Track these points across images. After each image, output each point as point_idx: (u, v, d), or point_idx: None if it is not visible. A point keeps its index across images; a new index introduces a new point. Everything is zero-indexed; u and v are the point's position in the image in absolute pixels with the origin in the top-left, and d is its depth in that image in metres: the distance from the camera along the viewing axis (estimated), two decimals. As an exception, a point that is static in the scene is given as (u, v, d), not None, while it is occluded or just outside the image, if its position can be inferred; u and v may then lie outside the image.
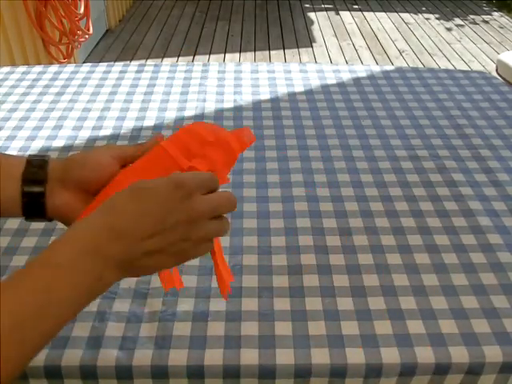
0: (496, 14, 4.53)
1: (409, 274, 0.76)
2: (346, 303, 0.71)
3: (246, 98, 1.24)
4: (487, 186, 0.95)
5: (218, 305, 0.71)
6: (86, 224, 0.41)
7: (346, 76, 1.34)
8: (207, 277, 0.75)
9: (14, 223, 0.85)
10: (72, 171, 0.50)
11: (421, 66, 3.47)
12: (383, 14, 4.51)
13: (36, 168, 0.50)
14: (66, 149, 1.04)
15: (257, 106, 1.20)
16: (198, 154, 0.51)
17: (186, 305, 0.71)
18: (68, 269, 0.39)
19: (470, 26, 4.24)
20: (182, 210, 0.42)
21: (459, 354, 0.65)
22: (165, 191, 0.42)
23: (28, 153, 1.02)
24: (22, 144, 1.05)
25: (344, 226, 0.85)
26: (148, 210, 0.41)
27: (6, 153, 1.03)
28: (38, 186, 0.49)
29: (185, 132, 0.53)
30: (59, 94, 1.24)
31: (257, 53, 3.67)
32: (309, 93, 1.25)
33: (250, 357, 0.64)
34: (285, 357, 0.64)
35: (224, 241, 0.81)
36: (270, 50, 3.73)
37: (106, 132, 1.09)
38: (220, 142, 0.51)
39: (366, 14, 4.51)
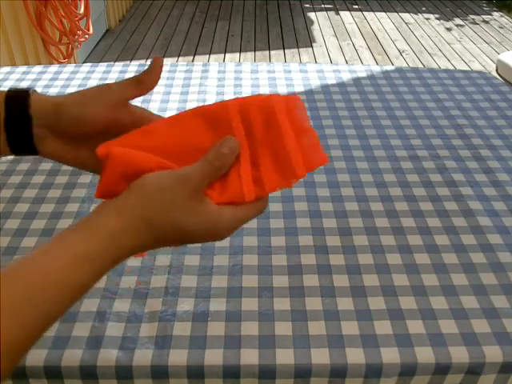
0: (496, 14, 4.53)
1: (409, 274, 0.76)
2: (346, 303, 0.71)
3: (246, 98, 1.23)
4: (487, 186, 0.95)
5: (218, 305, 0.71)
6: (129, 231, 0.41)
7: (346, 76, 1.34)
8: (207, 277, 0.75)
9: (14, 223, 0.85)
10: (64, 125, 0.48)
11: (421, 66, 3.47)
12: (383, 13, 4.51)
13: (17, 104, 0.47)
14: (66, 149, 1.04)
15: (257, 106, 1.20)
16: (257, 139, 0.45)
17: (186, 305, 0.71)
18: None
19: (470, 25, 4.24)
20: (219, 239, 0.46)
21: (459, 354, 0.65)
22: (208, 230, 0.44)
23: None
24: (21, 144, 1.05)
25: (344, 226, 0.85)
26: (185, 231, 0.43)
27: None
28: (21, 116, 0.47)
29: (257, 106, 0.46)
30: (59, 94, 1.24)
31: (257, 53, 3.67)
32: (309, 93, 1.25)
33: (250, 357, 0.64)
34: (285, 357, 0.64)
35: (224, 241, 0.81)
36: (269, 49, 3.73)
37: (105, 132, 1.09)
38: (283, 164, 0.45)
39: (366, 13, 4.51)
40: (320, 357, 0.64)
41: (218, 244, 0.81)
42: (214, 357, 0.64)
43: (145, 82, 0.50)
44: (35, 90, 0.49)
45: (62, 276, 0.38)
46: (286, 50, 3.72)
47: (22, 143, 0.48)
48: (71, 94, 0.49)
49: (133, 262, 0.78)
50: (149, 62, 0.52)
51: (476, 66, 3.48)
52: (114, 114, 0.49)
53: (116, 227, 0.40)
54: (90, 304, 0.71)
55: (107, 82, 1.30)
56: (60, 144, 0.49)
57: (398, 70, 1.40)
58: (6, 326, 0.35)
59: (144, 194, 0.41)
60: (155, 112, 1.06)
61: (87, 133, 0.49)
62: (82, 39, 2.93)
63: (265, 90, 1.26)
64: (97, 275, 0.40)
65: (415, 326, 0.68)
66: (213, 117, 0.47)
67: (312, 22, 4.30)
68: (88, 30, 2.96)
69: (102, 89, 0.49)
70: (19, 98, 0.47)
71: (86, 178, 0.95)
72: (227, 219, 0.44)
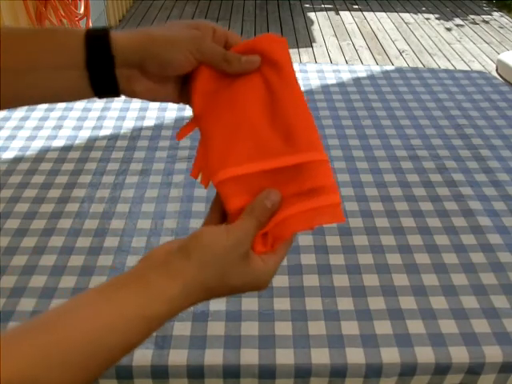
0: (496, 14, 4.53)
1: (409, 273, 0.76)
2: (346, 303, 0.71)
3: (246, 97, 1.23)
4: (487, 186, 0.95)
5: (217, 305, 0.71)
6: (184, 288, 0.40)
7: (346, 76, 1.34)
8: (207, 277, 0.75)
9: (14, 223, 0.85)
10: (150, 66, 0.46)
11: (421, 66, 3.47)
12: (383, 13, 4.51)
13: (98, 44, 0.45)
14: (66, 149, 1.04)
15: (257, 105, 1.20)
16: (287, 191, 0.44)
17: (186, 305, 0.71)
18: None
19: (470, 25, 4.23)
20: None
21: (459, 354, 0.65)
22: (255, 284, 0.44)
23: (28, 153, 1.02)
24: (22, 144, 1.05)
25: (344, 225, 0.85)
26: (235, 289, 0.44)
27: (6, 153, 1.03)
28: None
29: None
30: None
31: (257, 53, 3.67)
32: (309, 93, 1.25)
33: (250, 357, 0.64)
34: (285, 357, 0.64)
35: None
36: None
37: (106, 132, 1.09)
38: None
39: (366, 13, 4.51)
40: (320, 357, 0.64)
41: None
42: (213, 357, 0.64)
43: (231, 65, 0.47)
44: (113, 30, 0.47)
45: (115, 336, 0.36)
46: (286, 50, 3.71)
47: (105, 84, 0.46)
48: (160, 30, 0.46)
49: (133, 261, 0.78)
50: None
51: (476, 66, 3.47)
52: (202, 60, 0.47)
53: (174, 292, 0.39)
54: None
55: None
56: (148, 83, 0.47)
57: (398, 70, 1.40)
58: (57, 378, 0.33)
59: (202, 259, 0.40)
60: (155, 112, 1.06)
61: (174, 74, 0.47)
62: (82, 39, 2.93)
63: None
64: (148, 335, 0.39)
65: (415, 326, 0.68)
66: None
67: (312, 22, 4.29)
68: (88, 29, 2.96)
69: (196, 36, 0.46)
70: (99, 38, 0.45)
71: (86, 178, 0.95)
72: (270, 270, 0.44)
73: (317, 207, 0.43)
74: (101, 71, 0.45)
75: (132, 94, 0.48)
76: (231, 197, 0.44)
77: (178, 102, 0.52)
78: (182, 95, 0.50)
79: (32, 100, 0.49)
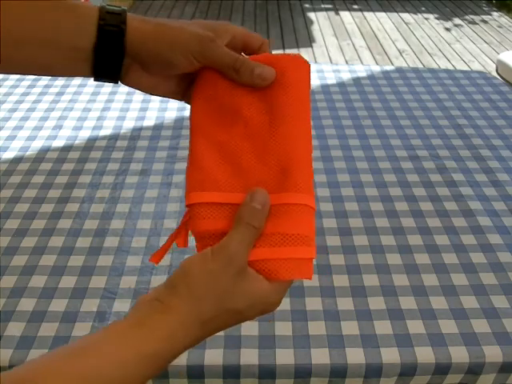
0: (495, 14, 4.53)
1: (409, 274, 0.76)
2: (346, 303, 0.71)
3: (246, 98, 1.23)
4: (487, 186, 0.95)
5: (218, 305, 0.71)
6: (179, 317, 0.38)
7: (346, 76, 1.34)
8: (207, 277, 0.75)
9: (14, 223, 0.85)
10: (154, 66, 0.44)
11: (421, 66, 3.47)
12: (383, 13, 4.51)
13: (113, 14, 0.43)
14: (66, 149, 1.04)
15: (257, 106, 1.20)
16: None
17: (186, 305, 0.71)
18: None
19: (470, 25, 4.24)
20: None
21: (459, 354, 0.65)
22: (262, 305, 0.41)
23: (28, 153, 1.02)
24: (21, 144, 1.05)
25: (344, 225, 0.85)
26: (240, 314, 0.40)
27: (6, 153, 1.03)
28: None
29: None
30: (59, 93, 1.24)
31: (257, 53, 3.67)
32: (309, 93, 1.25)
33: (249, 357, 0.64)
34: (285, 357, 0.64)
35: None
36: (269, 49, 3.73)
37: (106, 132, 1.09)
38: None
39: (366, 13, 4.51)
40: (320, 357, 0.64)
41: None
42: (214, 357, 0.64)
43: (240, 75, 0.44)
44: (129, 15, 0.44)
45: (122, 371, 0.36)
46: (286, 50, 3.72)
47: (107, 72, 0.44)
48: (170, 27, 0.44)
49: (133, 261, 0.78)
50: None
51: (476, 66, 3.48)
52: (205, 64, 0.45)
53: (170, 327, 0.37)
54: (89, 304, 0.71)
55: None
56: (148, 79, 0.45)
57: (398, 70, 1.40)
58: None
59: (192, 293, 0.38)
60: (155, 112, 1.06)
61: (177, 73, 0.45)
62: (82, 39, 2.93)
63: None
64: (152, 374, 0.38)
65: (415, 326, 0.68)
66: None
67: (312, 22, 4.29)
68: (88, 29, 2.96)
69: (203, 39, 0.43)
70: (114, 26, 0.43)
71: (86, 178, 0.95)
72: (277, 288, 0.41)
73: (292, 258, 0.40)
74: (107, 61, 0.43)
75: (129, 84, 0.46)
76: (201, 219, 0.40)
77: (180, 100, 0.49)
78: (186, 94, 0.48)
79: (20, 68, 0.44)
